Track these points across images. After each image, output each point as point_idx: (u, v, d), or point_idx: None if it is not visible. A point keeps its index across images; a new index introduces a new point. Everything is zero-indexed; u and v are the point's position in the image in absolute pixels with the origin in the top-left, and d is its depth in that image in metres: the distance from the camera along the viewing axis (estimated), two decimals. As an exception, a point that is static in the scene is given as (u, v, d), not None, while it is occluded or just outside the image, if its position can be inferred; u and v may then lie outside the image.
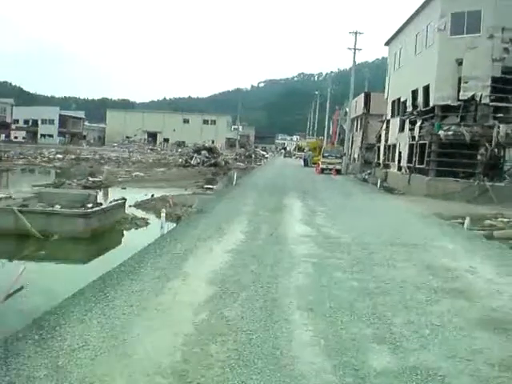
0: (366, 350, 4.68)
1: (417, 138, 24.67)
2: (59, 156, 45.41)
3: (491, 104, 21.19)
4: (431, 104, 23.42)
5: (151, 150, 75.52)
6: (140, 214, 14.65)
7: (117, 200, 13.86)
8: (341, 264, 8.12)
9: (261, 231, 11.13)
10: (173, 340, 4.74)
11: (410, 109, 27.25)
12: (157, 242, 9.65)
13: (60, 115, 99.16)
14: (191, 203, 15.61)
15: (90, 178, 23.82)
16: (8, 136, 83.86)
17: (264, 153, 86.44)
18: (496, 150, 21.54)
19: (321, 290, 6.57)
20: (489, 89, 21.06)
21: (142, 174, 30.32)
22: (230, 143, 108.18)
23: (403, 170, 26.91)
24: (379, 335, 5.06)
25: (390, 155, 31.36)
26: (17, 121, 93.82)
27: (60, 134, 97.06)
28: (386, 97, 34.06)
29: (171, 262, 7.88)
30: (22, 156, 43.53)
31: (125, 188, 22.19)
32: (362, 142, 42.91)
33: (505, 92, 21.05)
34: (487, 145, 20.90)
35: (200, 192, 20.92)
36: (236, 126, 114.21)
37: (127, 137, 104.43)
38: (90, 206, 12.44)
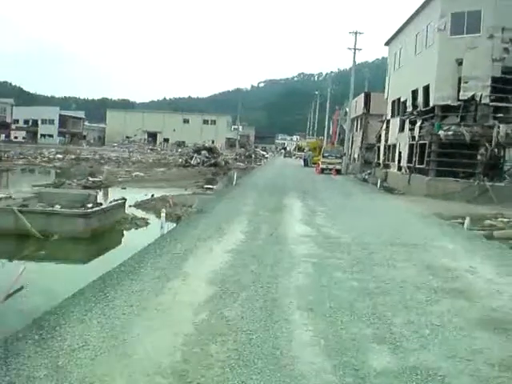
0: (366, 350, 4.68)
1: (417, 138, 24.67)
2: (59, 156, 45.41)
3: (491, 104, 21.19)
4: (431, 104, 23.42)
5: (151, 150, 75.52)
6: (140, 213, 14.65)
7: (117, 200, 13.85)
8: (341, 264, 8.12)
9: (261, 231, 11.13)
10: (173, 340, 4.73)
11: (409, 109, 27.26)
12: (157, 241, 9.65)
13: (60, 115, 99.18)
14: (191, 203, 15.61)
15: (90, 178, 23.82)
16: (8, 136, 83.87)
17: (264, 153, 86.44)
18: (496, 149, 21.54)
19: (321, 290, 6.57)
20: (489, 89, 21.06)
21: (141, 174, 30.32)
22: (230, 143, 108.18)
23: (403, 170, 26.91)
24: (379, 335, 5.06)
25: (390, 155, 31.37)
26: (17, 121, 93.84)
27: (60, 134, 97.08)
28: (385, 97, 34.06)
29: (171, 261, 7.88)
30: (21, 156, 43.53)
31: (125, 188, 22.19)
32: (362, 142, 42.91)
33: (505, 92, 21.05)
34: (487, 145, 20.90)
35: (200, 192, 20.92)
36: (236, 126, 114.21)
37: (127, 137, 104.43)
38: (90, 206, 12.44)
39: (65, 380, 3.90)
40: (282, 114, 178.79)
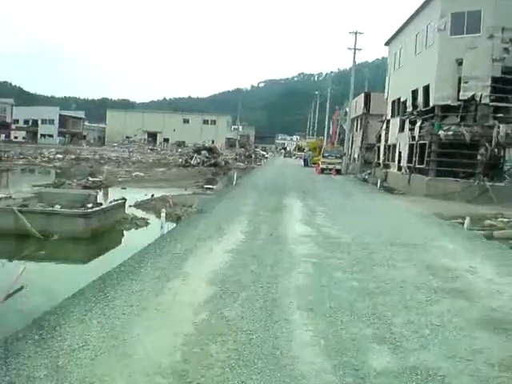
0: (366, 350, 4.68)
1: (417, 138, 24.67)
2: (59, 156, 45.41)
3: (491, 104, 21.19)
4: (431, 104, 23.42)
5: (151, 150, 75.52)
6: (140, 214, 14.65)
7: (117, 200, 13.85)
8: (341, 264, 8.12)
9: (261, 231, 11.13)
10: (173, 340, 4.73)
11: (409, 109, 27.26)
12: (157, 241, 9.65)
13: (60, 115, 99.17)
14: (191, 203, 15.61)
15: (90, 178, 23.81)
16: (8, 136, 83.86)
17: (264, 153, 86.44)
18: (496, 149, 21.54)
19: (321, 290, 6.57)
20: (489, 89, 21.07)
21: (141, 174, 30.32)
22: (230, 143, 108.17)
23: (403, 170, 26.91)
24: (379, 335, 5.06)
25: (390, 155, 31.37)
26: (17, 121, 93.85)
27: (60, 134, 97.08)
28: (385, 97, 34.06)
29: (171, 261, 7.88)
30: (21, 156, 43.53)
31: (125, 188, 22.19)
32: (362, 141, 42.91)
33: (505, 92, 21.05)
34: (487, 145, 20.90)
35: (200, 192, 20.92)
36: (236, 126, 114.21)
37: (127, 137, 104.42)
38: (90, 206, 12.44)
39: (65, 380, 3.90)
40: (282, 113, 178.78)
